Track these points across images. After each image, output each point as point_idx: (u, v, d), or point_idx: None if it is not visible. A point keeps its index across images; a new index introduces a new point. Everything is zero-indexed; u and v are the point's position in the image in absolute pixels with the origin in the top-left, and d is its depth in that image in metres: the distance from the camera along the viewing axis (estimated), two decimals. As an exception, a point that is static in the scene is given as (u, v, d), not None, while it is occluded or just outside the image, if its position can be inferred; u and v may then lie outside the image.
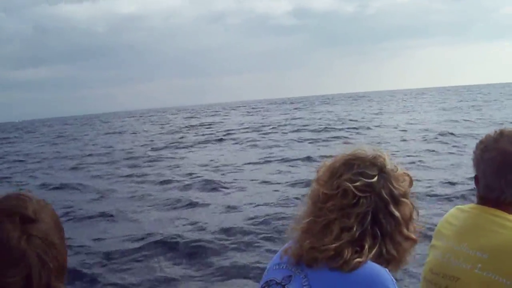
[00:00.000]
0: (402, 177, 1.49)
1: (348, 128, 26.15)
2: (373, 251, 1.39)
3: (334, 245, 1.38)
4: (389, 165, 1.48)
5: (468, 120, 25.61)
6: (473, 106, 39.83)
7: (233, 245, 7.46)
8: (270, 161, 16.17)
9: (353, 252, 1.37)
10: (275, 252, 1.65)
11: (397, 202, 1.44)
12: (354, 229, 1.39)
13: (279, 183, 12.02)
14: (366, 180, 1.43)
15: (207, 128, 36.56)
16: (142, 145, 25.82)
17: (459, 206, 1.96)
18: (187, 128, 38.03)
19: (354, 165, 1.46)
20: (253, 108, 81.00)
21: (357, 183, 1.42)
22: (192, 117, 61.40)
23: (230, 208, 9.75)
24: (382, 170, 1.46)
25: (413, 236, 1.46)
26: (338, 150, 1.56)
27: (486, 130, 2.01)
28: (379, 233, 1.41)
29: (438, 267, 1.86)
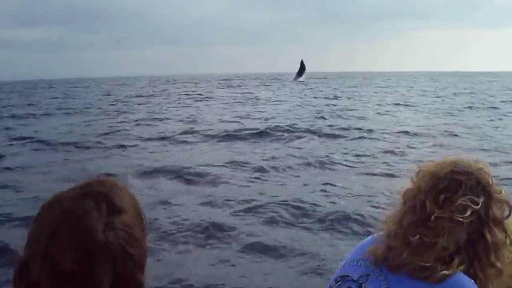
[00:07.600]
0: (503, 203, 1.47)
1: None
2: (462, 267, 1.41)
3: (432, 263, 1.39)
4: (493, 185, 1.47)
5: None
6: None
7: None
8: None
9: (441, 264, 1.39)
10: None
11: (491, 226, 1.43)
12: (452, 247, 1.41)
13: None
14: (474, 207, 1.42)
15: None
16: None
17: None
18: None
19: (461, 183, 1.44)
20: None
21: (467, 213, 1.41)
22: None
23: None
24: (485, 190, 1.45)
25: (498, 264, 1.43)
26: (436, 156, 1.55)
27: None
28: (471, 251, 1.43)
29: None
